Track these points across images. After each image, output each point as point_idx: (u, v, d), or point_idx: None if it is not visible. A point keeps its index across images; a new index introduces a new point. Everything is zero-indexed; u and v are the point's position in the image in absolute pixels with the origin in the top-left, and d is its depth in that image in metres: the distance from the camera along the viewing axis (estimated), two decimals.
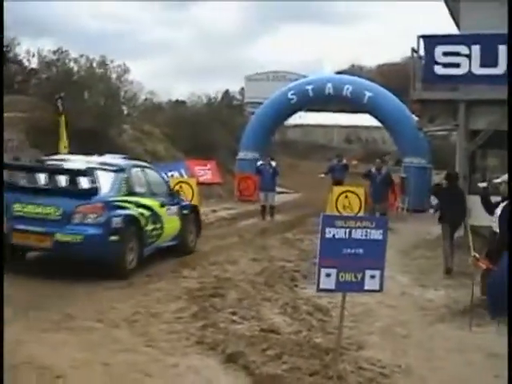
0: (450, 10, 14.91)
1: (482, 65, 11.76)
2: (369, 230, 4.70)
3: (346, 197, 15.66)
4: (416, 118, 15.30)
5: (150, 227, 8.72)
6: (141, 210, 8.49)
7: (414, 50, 12.90)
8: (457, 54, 11.99)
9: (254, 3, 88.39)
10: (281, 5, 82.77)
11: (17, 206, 7.57)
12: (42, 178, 8.27)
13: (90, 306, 6.53)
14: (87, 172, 7.82)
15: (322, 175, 17.77)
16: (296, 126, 40.83)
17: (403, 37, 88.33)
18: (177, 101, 42.32)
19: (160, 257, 9.33)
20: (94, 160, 8.73)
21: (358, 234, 4.68)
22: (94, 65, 20.29)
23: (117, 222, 7.83)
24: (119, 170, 8.47)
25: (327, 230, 4.67)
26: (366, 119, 31.45)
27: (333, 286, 4.73)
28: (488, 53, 11.67)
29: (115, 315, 6.30)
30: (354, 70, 51.39)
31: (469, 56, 11.86)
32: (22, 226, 7.45)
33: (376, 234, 4.71)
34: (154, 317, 6.37)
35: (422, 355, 5.77)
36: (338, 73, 45.34)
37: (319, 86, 20.73)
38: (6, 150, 11.93)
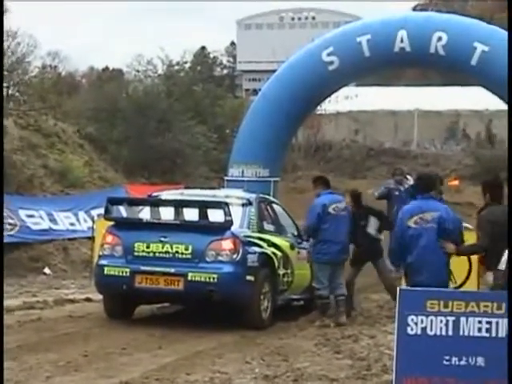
0: None
1: None
2: (494, 320, 4.68)
3: None
4: None
5: (281, 271, 13.23)
6: (273, 250, 13.03)
7: None
8: None
9: None
10: None
11: (139, 245, 12.33)
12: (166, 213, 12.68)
13: None
14: (222, 204, 12.13)
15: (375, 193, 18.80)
16: (339, 113, 41.17)
17: None
18: (106, 69, 42.72)
19: None
20: (213, 193, 13.84)
21: (472, 326, 4.61)
22: None
23: (252, 260, 12.43)
24: (247, 203, 13.05)
25: (411, 318, 4.63)
26: (477, 98, 31.68)
27: None
28: None
29: None
30: (450, 3, 51.94)
31: None
32: (148, 268, 12.23)
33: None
34: None
35: None
36: (419, 9, 45.82)
37: (382, 36, 20.80)
38: None
